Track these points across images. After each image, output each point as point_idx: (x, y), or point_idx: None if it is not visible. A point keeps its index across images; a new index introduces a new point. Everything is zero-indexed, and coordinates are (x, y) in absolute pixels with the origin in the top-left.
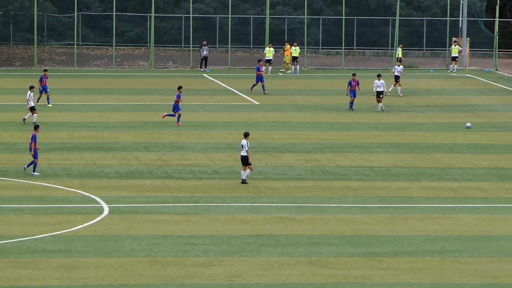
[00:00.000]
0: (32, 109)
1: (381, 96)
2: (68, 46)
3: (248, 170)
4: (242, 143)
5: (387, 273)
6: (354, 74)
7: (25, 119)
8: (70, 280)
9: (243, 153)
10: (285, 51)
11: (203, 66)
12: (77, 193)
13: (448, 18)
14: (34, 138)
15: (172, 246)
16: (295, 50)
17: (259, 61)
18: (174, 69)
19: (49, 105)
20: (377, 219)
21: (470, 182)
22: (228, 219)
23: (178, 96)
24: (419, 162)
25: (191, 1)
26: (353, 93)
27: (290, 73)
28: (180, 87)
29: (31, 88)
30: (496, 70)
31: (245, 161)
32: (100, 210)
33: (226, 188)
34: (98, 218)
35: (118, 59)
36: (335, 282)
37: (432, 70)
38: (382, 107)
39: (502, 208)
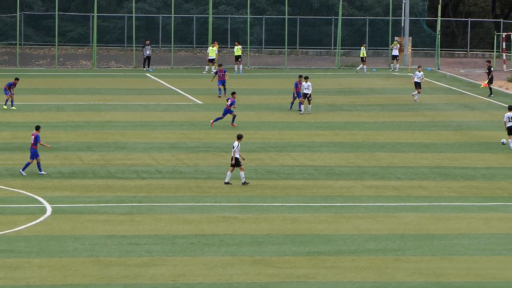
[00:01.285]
0: None
1: (310, 98)
2: (11, 46)
3: (241, 172)
4: (234, 145)
5: (330, 272)
6: (301, 76)
7: None
8: (13, 280)
9: (235, 154)
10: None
11: (146, 66)
12: (20, 193)
13: (390, 18)
14: (37, 139)
15: (115, 246)
16: (237, 50)
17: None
18: (117, 68)
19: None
20: (320, 218)
21: (413, 181)
22: (172, 219)
23: (233, 103)
24: (362, 161)
25: (133, 1)
26: (299, 95)
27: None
28: (234, 93)
29: None
30: (438, 69)
31: (237, 162)
32: (43, 210)
33: (169, 187)
34: (41, 218)
35: (60, 59)
36: (279, 281)
37: (374, 70)
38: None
39: (444, 207)
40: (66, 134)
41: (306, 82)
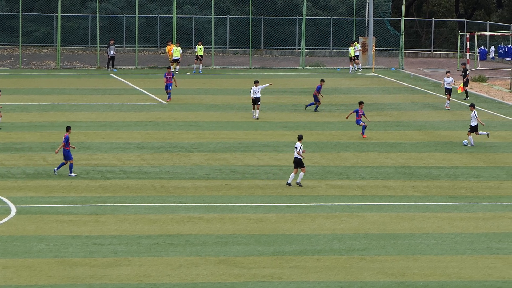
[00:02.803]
0: None
1: (259, 102)
2: None
3: (302, 173)
4: (296, 146)
5: (295, 271)
6: (323, 80)
7: None
8: None
9: (297, 155)
10: (168, 51)
11: (110, 66)
12: None
13: (354, 18)
14: (66, 139)
15: (80, 247)
16: (199, 49)
17: (322, 80)
18: (81, 68)
19: None
20: (285, 218)
21: (377, 180)
22: (137, 219)
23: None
24: (326, 161)
25: (97, 1)
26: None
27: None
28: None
29: None
30: (402, 69)
31: (299, 163)
32: (8, 211)
33: (134, 188)
34: (6, 219)
35: (24, 59)
36: (244, 281)
37: (339, 70)
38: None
39: (409, 206)
40: (31, 134)
41: (256, 86)
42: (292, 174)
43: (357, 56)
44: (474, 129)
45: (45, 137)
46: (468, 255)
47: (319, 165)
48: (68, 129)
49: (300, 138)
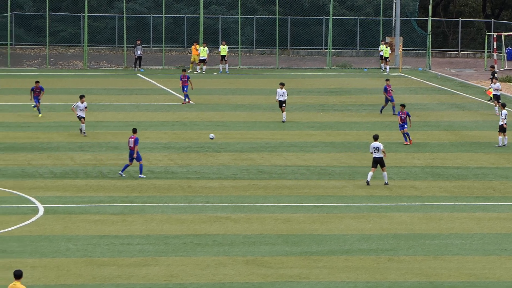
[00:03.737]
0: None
1: (284, 105)
2: (1, 46)
3: (385, 173)
4: (376, 146)
5: (323, 272)
6: (388, 80)
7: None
8: (5, 280)
9: (379, 154)
10: (193, 51)
11: (137, 66)
12: (12, 193)
13: (381, 18)
14: (137, 141)
15: (107, 246)
16: (223, 49)
17: (387, 80)
18: (108, 68)
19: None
20: (312, 218)
21: (405, 180)
22: (164, 219)
23: (386, 89)
24: (354, 161)
25: (124, 1)
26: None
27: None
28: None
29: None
30: (429, 69)
31: (380, 162)
32: (35, 210)
33: (161, 187)
34: (33, 219)
35: (51, 59)
36: (271, 281)
37: (366, 70)
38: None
39: (436, 207)
40: (58, 134)
41: (282, 88)
42: (371, 173)
43: (386, 57)
44: (502, 129)
45: (73, 137)
46: (496, 256)
47: (347, 165)
48: (135, 131)
49: (376, 138)
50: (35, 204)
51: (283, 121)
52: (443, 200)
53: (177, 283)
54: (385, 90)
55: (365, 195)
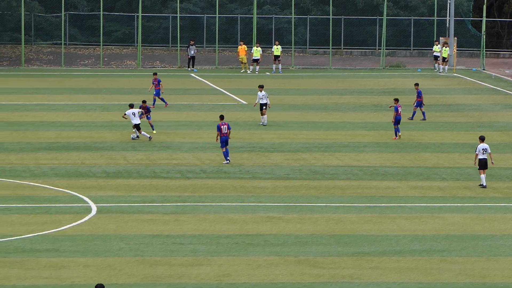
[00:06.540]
0: (136, 127)
1: (264, 108)
2: (56, 45)
3: (484, 175)
4: (484, 147)
5: (375, 272)
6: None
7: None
8: (58, 279)
9: (484, 156)
10: (239, 51)
11: (191, 66)
12: (65, 193)
13: (435, 18)
14: (229, 127)
15: (160, 246)
16: (276, 49)
17: (416, 84)
18: (161, 68)
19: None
20: (365, 219)
21: (458, 181)
22: (216, 219)
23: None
24: (407, 162)
25: (178, 1)
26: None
27: (246, 72)
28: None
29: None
30: (484, 69)
31: (486, 164)
32: (88, 210)
33: (214, 187)
34: (86, 218)
35: (105, 59)
36: (324, 282)
37: (419, 70)
38: (264, 121)
39: (490, 208)
40: (111, 133)
41: (261, 91)
42: (483, 176)
43: (444, 57)
44: None
45: (126, 137)
46: None
47: (400, 166)
48: (222, 117)
49: (483, 139)
50: (88, 204)
51: (264, 124)
52: (497, 201)
53: (228, 283)
54: (419, 94)
55: (418, 195)
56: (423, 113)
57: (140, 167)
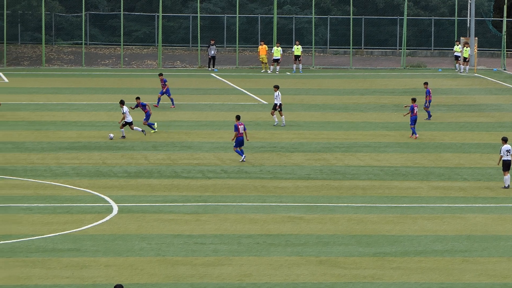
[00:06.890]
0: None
1: (278, 108)
2: (76, 45)
3: (506, 176)
4: (509, 148)
5: (396, 273)
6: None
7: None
8: (79, 279)
9: (508, 157)
10: (259, 51)
11: (211, 66)
12: (86, 192)
13: (456, 18)
14: (245, 128)
15: (181, 246)
16: (297, 49)
17: (425, 83)
18: (182, 68)
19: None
20: (386, 219)
21: (480, 181)
22: (237, 219)
23: (428, 92)
24: (428, 162)
25: (198, 1)
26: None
27: (266, 72)
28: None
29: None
30: (505, 69)
31: (509, 165)
32: (109, 209)
33: (235, 187)
34: (108, 217)
35: (126, 59)
36: (345, 282)
37: (440, 70)
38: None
39: (511, 208)
40: (132, 133)
41: (276, 91)
42: (507, 177)
43: (465, 57)
44: None
45: (146, 136)
46: None
47: (421, 166)
48: (238, 117)
49: (506, 140)
50: (109, 203)
51: (283, 125)
52: None
53: (250, 283)
54: (428, 93)
55: (440, 196)
56: (428, 112)
57: (161, 167)
